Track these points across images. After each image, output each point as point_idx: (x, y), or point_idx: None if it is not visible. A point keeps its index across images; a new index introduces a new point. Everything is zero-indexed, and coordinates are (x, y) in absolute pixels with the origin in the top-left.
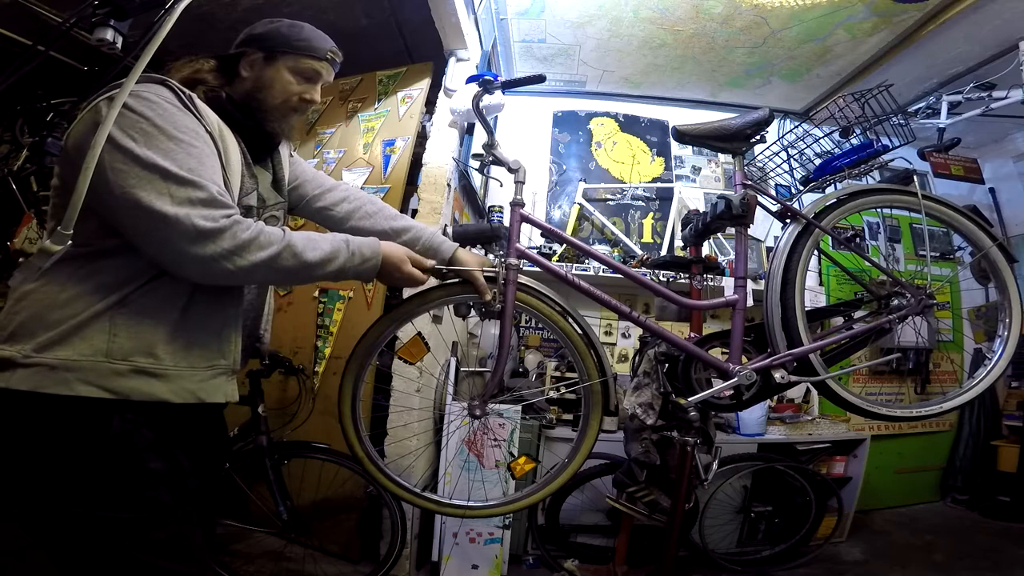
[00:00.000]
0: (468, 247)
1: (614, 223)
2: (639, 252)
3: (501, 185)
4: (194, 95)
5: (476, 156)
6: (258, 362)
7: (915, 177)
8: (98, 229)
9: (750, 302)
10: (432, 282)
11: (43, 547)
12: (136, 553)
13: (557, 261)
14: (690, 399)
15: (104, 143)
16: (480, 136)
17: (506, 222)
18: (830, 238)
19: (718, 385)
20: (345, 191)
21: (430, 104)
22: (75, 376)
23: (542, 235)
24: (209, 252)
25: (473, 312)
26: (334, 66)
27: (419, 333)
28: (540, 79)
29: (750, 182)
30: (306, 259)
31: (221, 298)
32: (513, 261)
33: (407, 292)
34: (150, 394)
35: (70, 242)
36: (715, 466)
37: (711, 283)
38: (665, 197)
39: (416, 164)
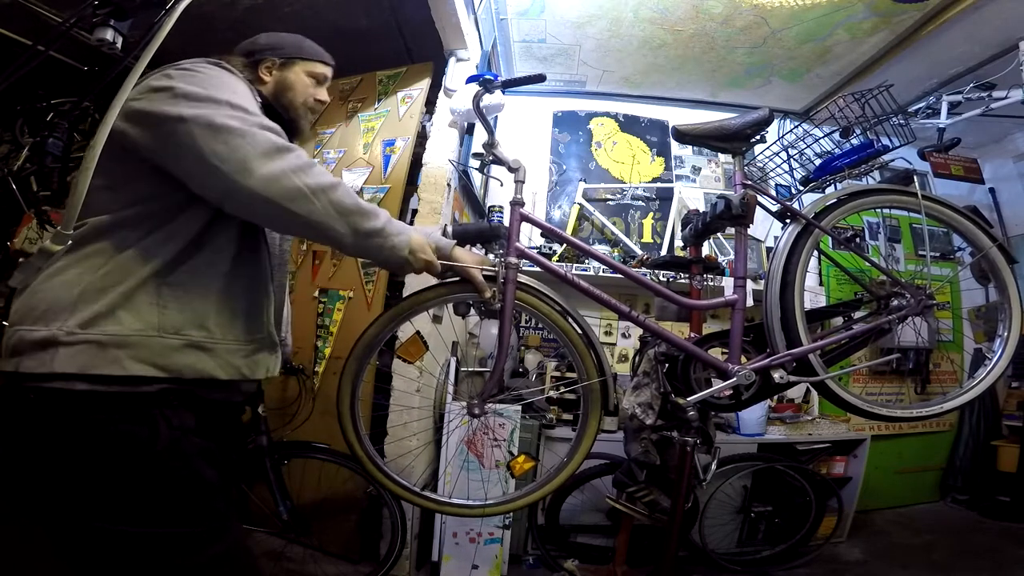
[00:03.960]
0: (468, 246)
1: (614, 223)
2: (639, 252)
3: (501, 184)
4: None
5: (476, 155)
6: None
7: (915, 177)
8: (136, 194)
9: (750, 302)
10: (431, 280)
11: (72, 564)
12: (197, 571)
13: (557, 261)
14: (689, 399)
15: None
16: (480, 136)
17: (506, 221)
18: (830, 238)
19: (717, 385)
20: None
21: (430, 104)
22: (127, 353)
23: (542, 235)
24: (279, 165)
25: (472, 311)
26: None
27: (417, 332)
28: (540, 79)
29: (750, 182)
30: (359, 204)
31: (255, 266)
32: (513, 260)
33: (407, 291)
34: (201, 371)
35: (70, 242)
36: (715, 466)
37: (711, 283)
38: (665, 197)
39: (416, 164)
